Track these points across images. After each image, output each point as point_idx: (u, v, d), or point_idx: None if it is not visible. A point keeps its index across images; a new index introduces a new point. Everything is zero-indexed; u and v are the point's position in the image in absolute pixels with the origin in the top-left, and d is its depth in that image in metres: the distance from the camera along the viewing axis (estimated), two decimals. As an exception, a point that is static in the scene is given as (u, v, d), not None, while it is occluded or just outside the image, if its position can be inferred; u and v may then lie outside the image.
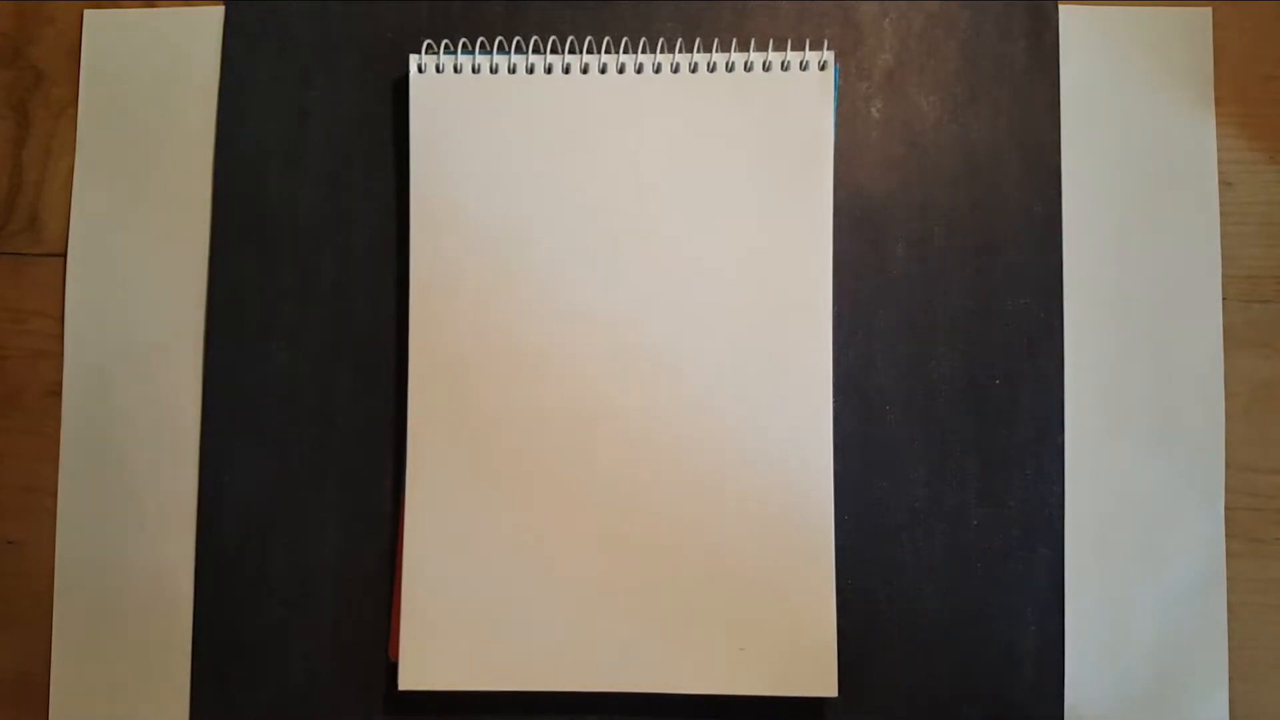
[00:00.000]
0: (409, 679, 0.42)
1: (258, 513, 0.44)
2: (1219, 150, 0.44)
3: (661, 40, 0.44)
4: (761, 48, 0.44)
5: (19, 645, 0.45)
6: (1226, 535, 0.43)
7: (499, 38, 0.44)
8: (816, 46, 0.43)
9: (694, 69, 0.43)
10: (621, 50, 0.44)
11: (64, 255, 0.46)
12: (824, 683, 0.41)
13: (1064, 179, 0.44)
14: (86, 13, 0.46)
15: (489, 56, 0.44)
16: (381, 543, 0.44)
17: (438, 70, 0.44)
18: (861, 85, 0.45)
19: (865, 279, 0.44)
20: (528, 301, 0.43)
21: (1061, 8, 0.45)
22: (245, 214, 0.45)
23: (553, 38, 0.44)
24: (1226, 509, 0.43)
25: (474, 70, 0.44)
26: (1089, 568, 0.43)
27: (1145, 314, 0.44)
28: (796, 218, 0.43)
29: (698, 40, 0.44)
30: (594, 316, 0.43)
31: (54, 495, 0.45)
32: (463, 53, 0.44)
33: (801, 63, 0.43)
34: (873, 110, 0.45)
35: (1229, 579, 0.43)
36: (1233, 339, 0.44)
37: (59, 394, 0.45)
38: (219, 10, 0.46)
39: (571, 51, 0.44)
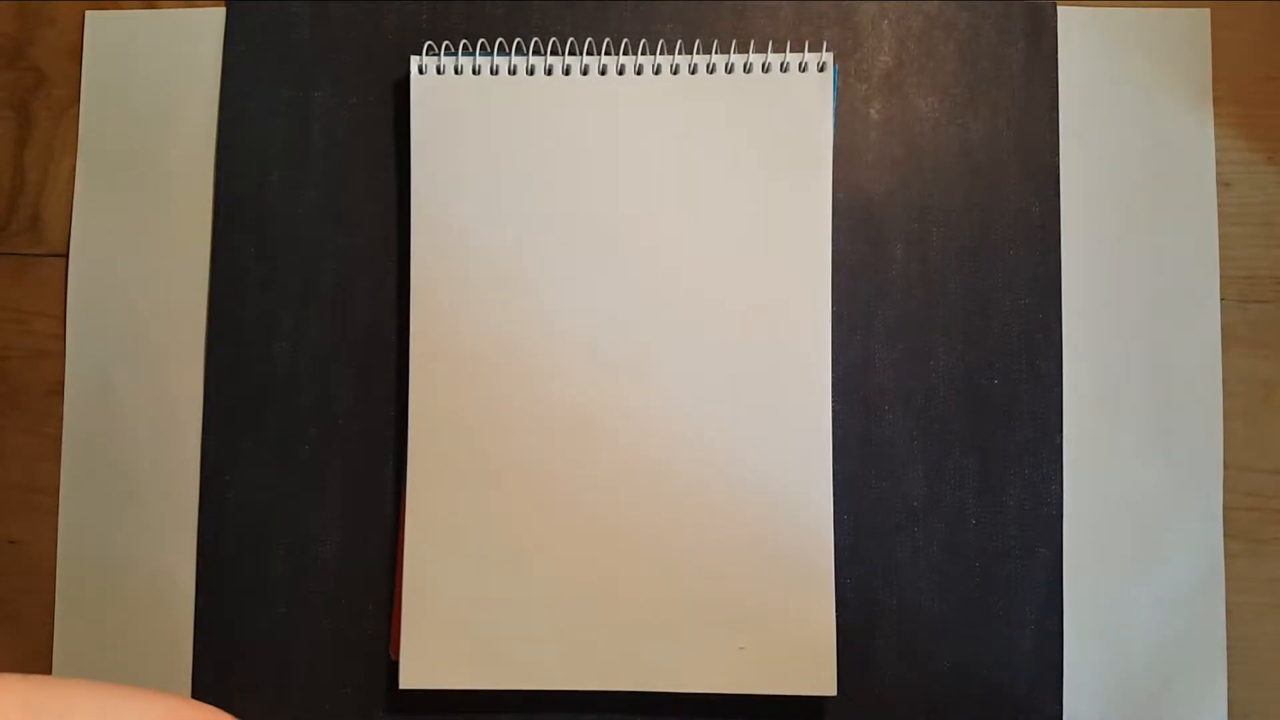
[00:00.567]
0: (409, 678, 0.42)
1: (258, 513, 0.44)
2: (1217, 151, 0.45)
3: (661, 41, 0.44)
4: (761, 49, 0.44)
5: (20, 644, 0.45)
6: (1225, 535, 0.43)
7: (499, 39, 0.44)
8: (816, 48, 0.44)
9: (694, 70, 0.43)
10: (621, 52, 0.44)
11: (65, 255, 0.46)
12: (824, 682, 0.41)
13: (1063, 179, 0.44)
14: (88, 13, 0.46)
15: (489, 58, 0.44)
16: (381, 543, 0.44)
17: (438, 71, 0.44)
18: (860, 86, 0.45)
19: (864, 279, 0.44)
20: (528, 301, 0.43)
21: (1060, 9, 0.45)
22: (246, 214, 0.45)
23: (553, 39, 0.44)
24: (1225, 509, 0.43)
25: (474, 72, 0.44)
26: (1088, 567, 0.43)
27: (1143, 314, 0.44)
28: (796, 218, 0.43)
29: (697, 41, 0.44)
30: (594, 316, 0.43)
31: (55, 495, 0.45)
32: (463, 54, 0.44)
33: (801, 64, 0.43)
34: (872, 111, 0.45)
35: (1227, 579, 0.43)
36: (1231, 339, 0.44)
37: (60, 394, 0.45)
38: (220, 11, 0.46)
39: (572, 53, 0.44)
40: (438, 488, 0.42)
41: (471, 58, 0.44)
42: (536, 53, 0.44)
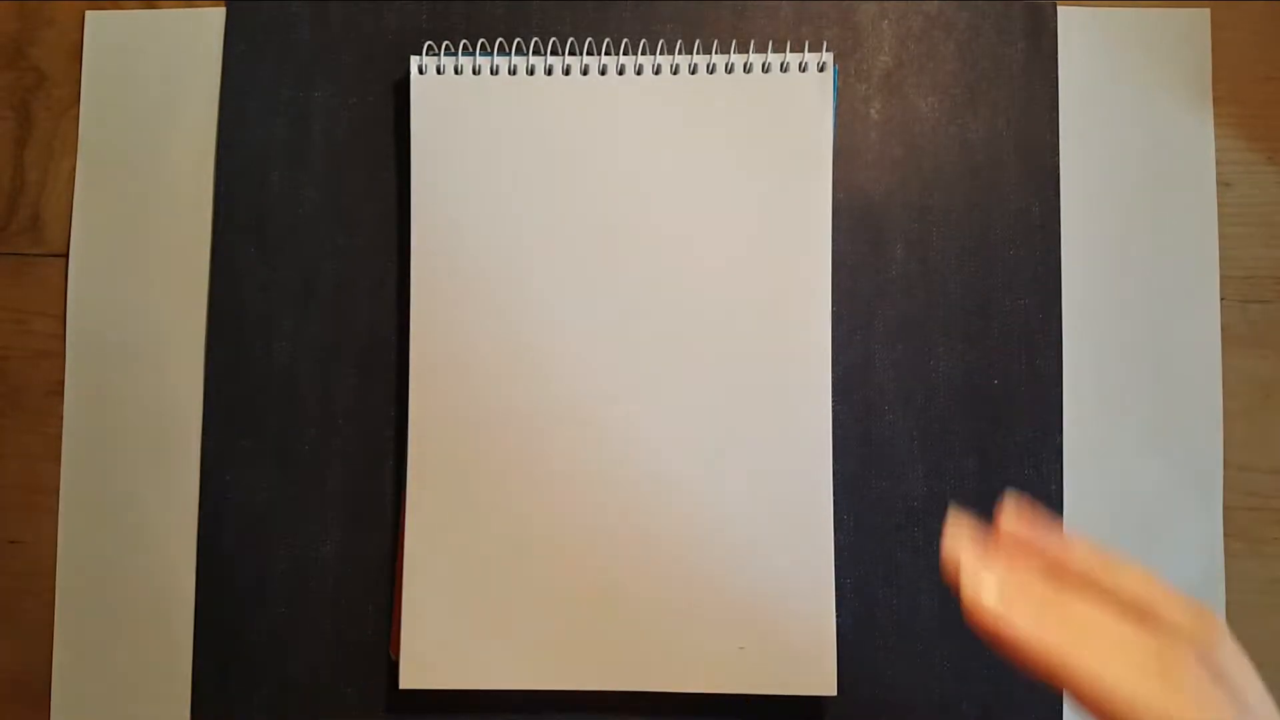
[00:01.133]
0: (409, 678, 0.42)
1: (258, 512, 0.44)
2: (1217, 151, 0.45)
3: (661, 41, 0.44)
4: (761, 49, 0.44)
5: (21, 644, 0.45)
6: (1225, 535, 0.43)
7: (499, 39, 0.44)
8: (816, 48, 0.44)
9: (694, 70, 0.43)
10: (621, 52, 0.44)
11: (66, 255, 0.46)
12: (823, 682, 0.41)
13: (1062, 179, 0.44)
14: (88, 13, 0.46)
15: (489, 58, 0.44)
16: (382, 543, 0.44)
17: (438, 71, 0.44)
18: (860, 86, 0.45)
19: (864, 279, 0.44)
20: (528, 301, 0.43)
21: (1060, 9, 0.45)
22: (246, 214, 0.45)
23: (553, 39, 0.44)
24: (1225, 508, 0.43)
25: (474, 71, 0.44)
26: (1088, 567, 0.43)
27: (1143, 314, 0.44)
28: (796, 218, 0.43)
29: (697, 41, 0.44)
30: (594, 316, 0.43)
31: (55, 495, 0.45)
32: (463, 54, 0.44)
33: (801, 64, 0.43)
34: (872, 111, 0.45)
35: (1228, 578, 0.43)
36: (1231, 339, 0.44)
37: (61, 394, 0.45)
38: (220, 11, 0.46)
39: (571, 53, 0.44)
40: (438, 488, 0.42)
41: (471, 58, 0.44)
42: (536, 53, 0.44)
